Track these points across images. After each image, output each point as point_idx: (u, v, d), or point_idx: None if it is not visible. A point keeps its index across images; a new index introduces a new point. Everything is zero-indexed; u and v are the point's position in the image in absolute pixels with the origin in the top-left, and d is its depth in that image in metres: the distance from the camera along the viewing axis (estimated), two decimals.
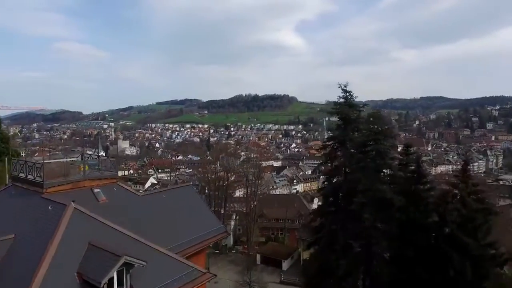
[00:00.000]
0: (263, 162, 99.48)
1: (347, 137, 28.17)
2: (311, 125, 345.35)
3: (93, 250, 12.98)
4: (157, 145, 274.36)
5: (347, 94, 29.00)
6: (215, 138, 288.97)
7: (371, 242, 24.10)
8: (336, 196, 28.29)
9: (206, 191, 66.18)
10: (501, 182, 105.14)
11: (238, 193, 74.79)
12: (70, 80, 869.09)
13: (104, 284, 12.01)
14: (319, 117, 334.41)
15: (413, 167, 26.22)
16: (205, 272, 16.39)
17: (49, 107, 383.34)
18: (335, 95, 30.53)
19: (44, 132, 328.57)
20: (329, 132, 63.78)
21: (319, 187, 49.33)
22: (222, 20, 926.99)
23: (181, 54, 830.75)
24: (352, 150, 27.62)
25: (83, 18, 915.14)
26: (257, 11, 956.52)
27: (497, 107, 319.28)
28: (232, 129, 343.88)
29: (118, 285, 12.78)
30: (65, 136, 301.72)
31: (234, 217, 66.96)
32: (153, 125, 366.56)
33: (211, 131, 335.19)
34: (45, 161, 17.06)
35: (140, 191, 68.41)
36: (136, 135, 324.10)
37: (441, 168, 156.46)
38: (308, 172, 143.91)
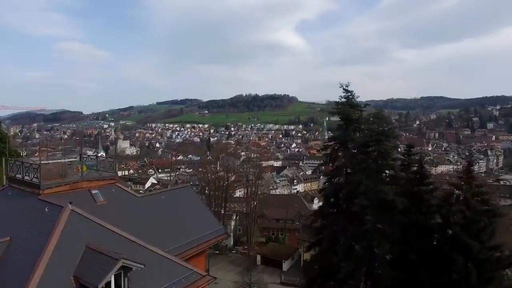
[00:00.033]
0: (263, 162, 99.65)
1: (348, 137, 27.85)
2: (312, 125, 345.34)
3: (90, 253, 12.76)
4: (157, 145, 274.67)
5: (349, 94, 28.69)
6: (215, 138, 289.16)
7: (373, 244, 23.78)
8: (337, 197, 27.98)
9: (206, 191, 66.06)
10: (501, 182, 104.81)
11: (238, 193, 74.54)
12: (71, 80, 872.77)
13: None
14: (319, 117, 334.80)
15: (415, 168, 25.91)
16: (204, 275, 16.17)
17: (50, 107, 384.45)
18: (335, 95, 30.35)
19: (45, 132, 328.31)
20: (330, 132, 63.64)
21: (320, 187, 49.01)
22: (223, 20, 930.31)
23: (181, 54, 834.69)
24: (353, 151, 27.34)
25: (83, 18, 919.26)
26: (257, 10, 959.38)
27: (498, 107, 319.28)
28: (232, 129, 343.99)
29: None
30: (66, 136, 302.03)
31: (234, 217, 66.85)
32: (153, 125, 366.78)
33: (211, 131, 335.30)
34: (42, 162, 16.83)
35: (140, 191, 68.73)
36: (137, 135, 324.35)
37: (441, 168, 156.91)
38: (309, 172, 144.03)
